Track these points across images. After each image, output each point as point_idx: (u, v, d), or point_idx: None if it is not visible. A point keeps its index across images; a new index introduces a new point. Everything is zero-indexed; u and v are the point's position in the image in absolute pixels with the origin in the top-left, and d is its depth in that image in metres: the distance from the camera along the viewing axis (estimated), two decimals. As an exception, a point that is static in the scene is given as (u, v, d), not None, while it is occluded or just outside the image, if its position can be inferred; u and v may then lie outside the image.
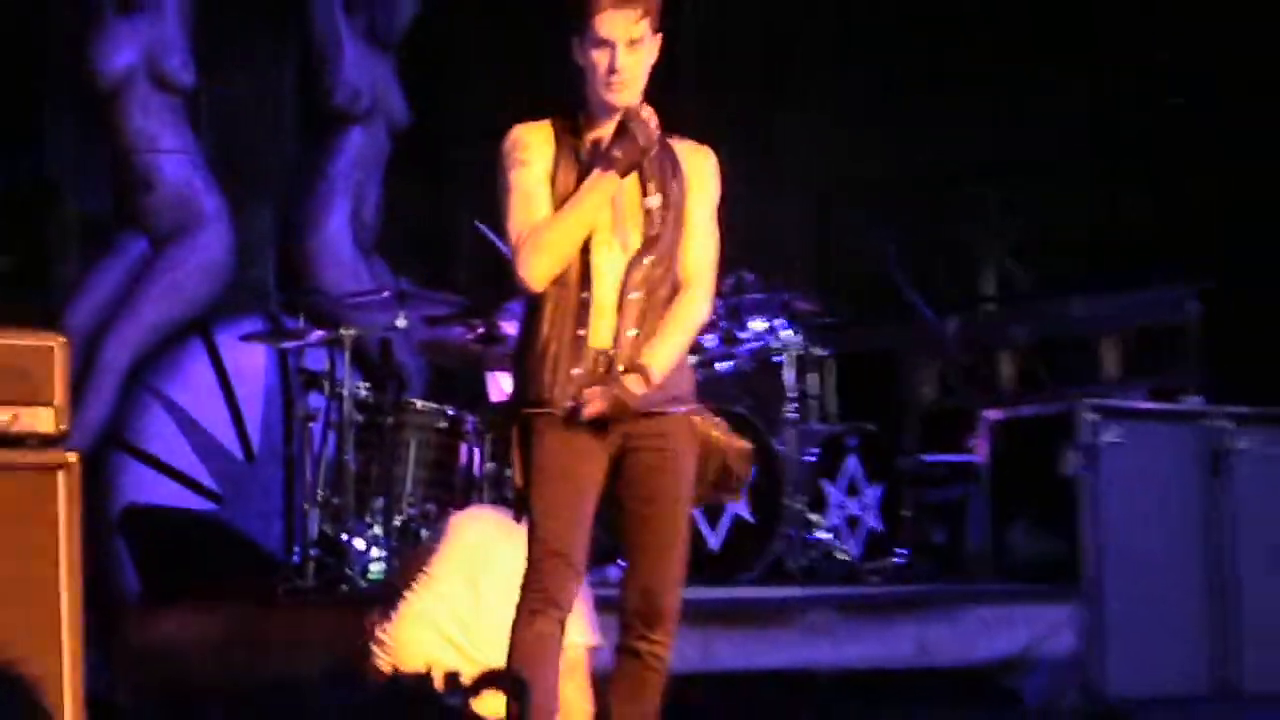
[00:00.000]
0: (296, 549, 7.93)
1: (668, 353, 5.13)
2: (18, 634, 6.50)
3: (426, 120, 9.67)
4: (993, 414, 8.84)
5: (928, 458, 9.31)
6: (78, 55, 8.90)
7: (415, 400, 8.14)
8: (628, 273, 5.08)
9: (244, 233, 9.35)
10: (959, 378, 9.76)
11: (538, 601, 5.03)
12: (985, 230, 10.12)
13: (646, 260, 5.09)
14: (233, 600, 7.44)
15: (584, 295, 5.05)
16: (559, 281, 5.05)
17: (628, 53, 5.06)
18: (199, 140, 9.21)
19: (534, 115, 5.21)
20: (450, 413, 7.90)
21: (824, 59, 10.86)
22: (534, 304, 5.12)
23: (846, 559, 8.47)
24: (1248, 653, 8.35)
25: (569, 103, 5.21)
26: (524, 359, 5.18)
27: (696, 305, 5.19)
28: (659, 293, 5.11)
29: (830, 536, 8.42)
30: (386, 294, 8.31)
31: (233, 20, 9.46)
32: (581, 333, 5.04)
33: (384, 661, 6.58)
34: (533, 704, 5.11)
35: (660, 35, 5.13)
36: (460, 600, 6.58)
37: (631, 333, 5.06)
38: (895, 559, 8.68)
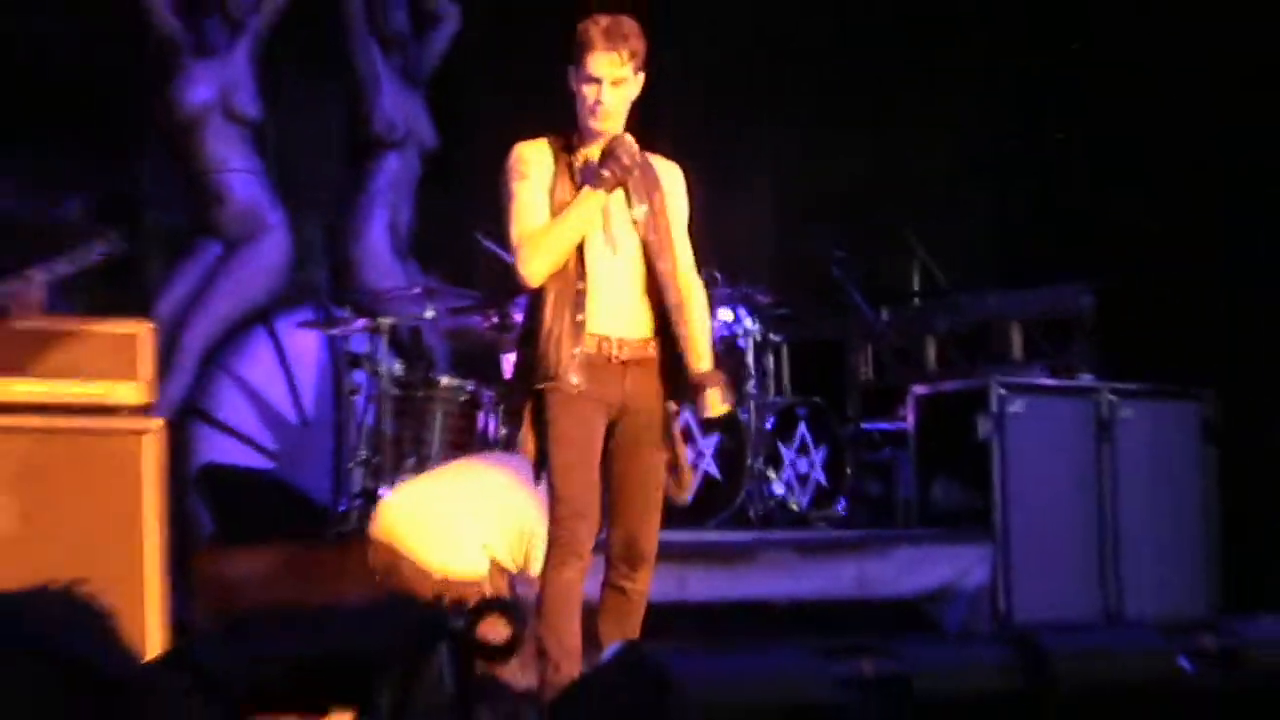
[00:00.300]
0: (343, 500, 7.98)
1: (708, 345, 5.36)
2: (115, 567, 6.65)
3: (452, 145, 9.66)
4: (919, 389, 8.89)
5: (865, 425, 9.32)
6: (162, 92, 8.92)
7: (441, 377, 8.10)
8: (620, 270, 5.20)
9: (300, 240, 9.30)
10: (891, 359, 9.77)
11: (564, 554, 5.12)
12: (912, 237, 10.13)
13: (634, 259, 5.22)
14: (288, 542, 7.49)
15: (580, 286, 5.13)
16: (559, 275, 5.13)
17: (612, 89, 5.17)
18: (263, 162, 9.15)
19: (535, 135, 5.32)
20: (470, 387, 7.91)
21: (781, 90, 10.79)
22: (537, 296, 5.18)
23: (798, 508, 8.52)
24: (1128, 584, 8.48)
25: (565, 123, 5.28)
26: (531, 342, 5.21)
27: (702, 298, 5.44)
28: (643, 285, 5.22)
29: (784, 490, 8.45)
30: (417, 290, 8.38)
31: (291, 63, 9.42)
32: (580, 318, 5.11)
33: (375, 556, 6.69)
34: (555, 634, 5.16)
35: (643, 75, 5.22)
36: (438, 499, 6.68)
37: (623, 330, 5.19)
38: (838, 508, 8.71)
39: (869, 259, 9.86)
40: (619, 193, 5.20)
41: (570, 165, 5.25)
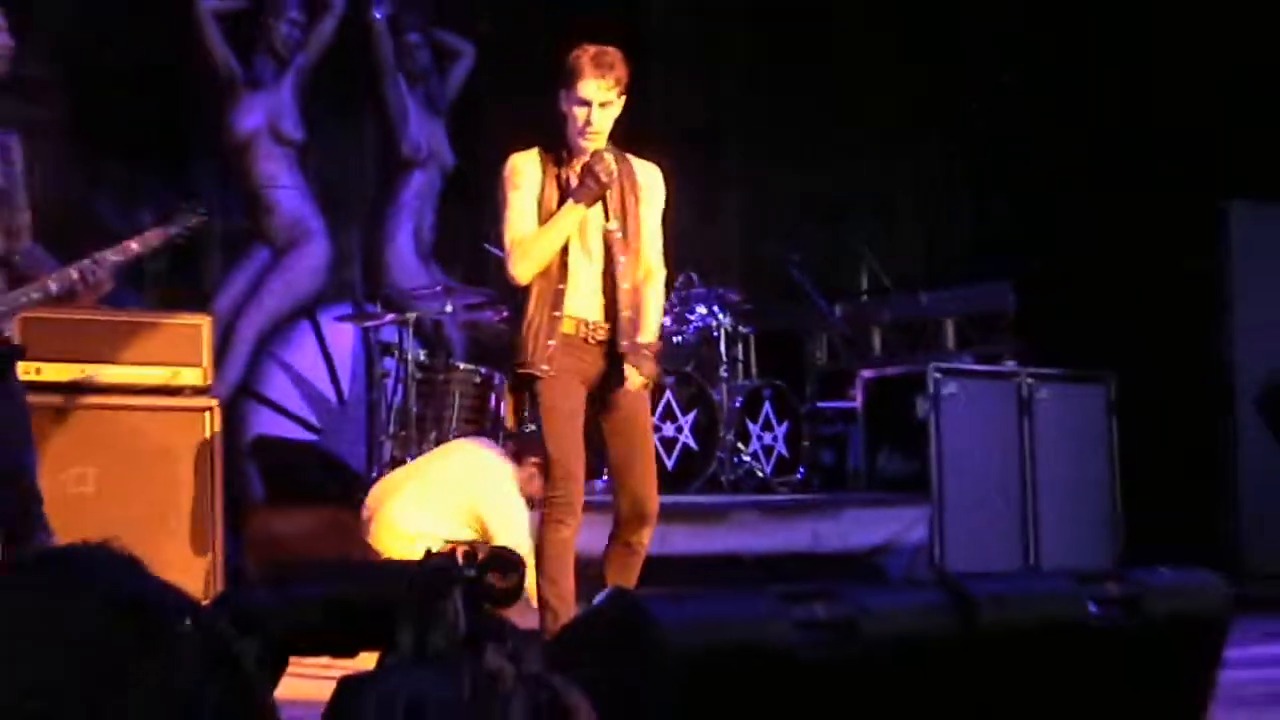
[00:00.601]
0: (375, 468, 7.96)
1: (655, 326, 5.28)
2: (180, 523, 6.66)
3: (467, 164, 9.65)
4: (866, 373, 8.90)
5: (820, 404, 9.30)
6: (219, 118, 8.92)
7: (459, 363, 8.12)
8: (600, 273, 5.22)
9: (338, 245, 9.31)
10: (842, 347, 9.76)
11: (560, 512, 5.13)
12: (861, 245, 10.13)
13: (609, 264, 5.22)
14: (327, 504, 7.48)
15: (560, 287, 5.15)
16: (543, 275, 5.15)
17: (600, 111, 5.17)
18: (306, 179, 9.18)
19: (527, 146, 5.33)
20: (483, 372, 7.90)
21: (748, 124, 10.79)
22: (523, 293, 5.19)
23: (762, 475, 8.53)
24: (1045, 539, 8.50)
25: (555, 136, 5.29)
26: (515, 333, 5.26)
27: (660, 282, 5.38)
28: (620, 285, 5.21)
29: (751, 460, 8.46)
30: (438, 289, 8.39)
31: (331, 94, 9.43)
32: (557, 314, 5.13)
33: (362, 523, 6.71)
34: (554, 585, 5.13)
35: (624, 96, 5.22)
36: (416, 474, 6.79)
37: (597, 316, 5.21)
38: (797, 476, 8.70)
39: (823, 263, 9.86)
40: (596, 206, 5.20)
41: (558, 176, 5.24)
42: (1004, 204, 11.10)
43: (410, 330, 7.98)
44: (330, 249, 9.30)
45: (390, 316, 8.14)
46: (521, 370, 5.21)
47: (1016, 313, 9.28)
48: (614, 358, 5.23)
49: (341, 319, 9.05)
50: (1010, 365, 9.00)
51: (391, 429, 7.93)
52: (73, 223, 8.12)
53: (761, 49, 10.77)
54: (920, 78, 11.23)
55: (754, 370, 8.98)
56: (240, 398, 8.82)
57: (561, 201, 5.18)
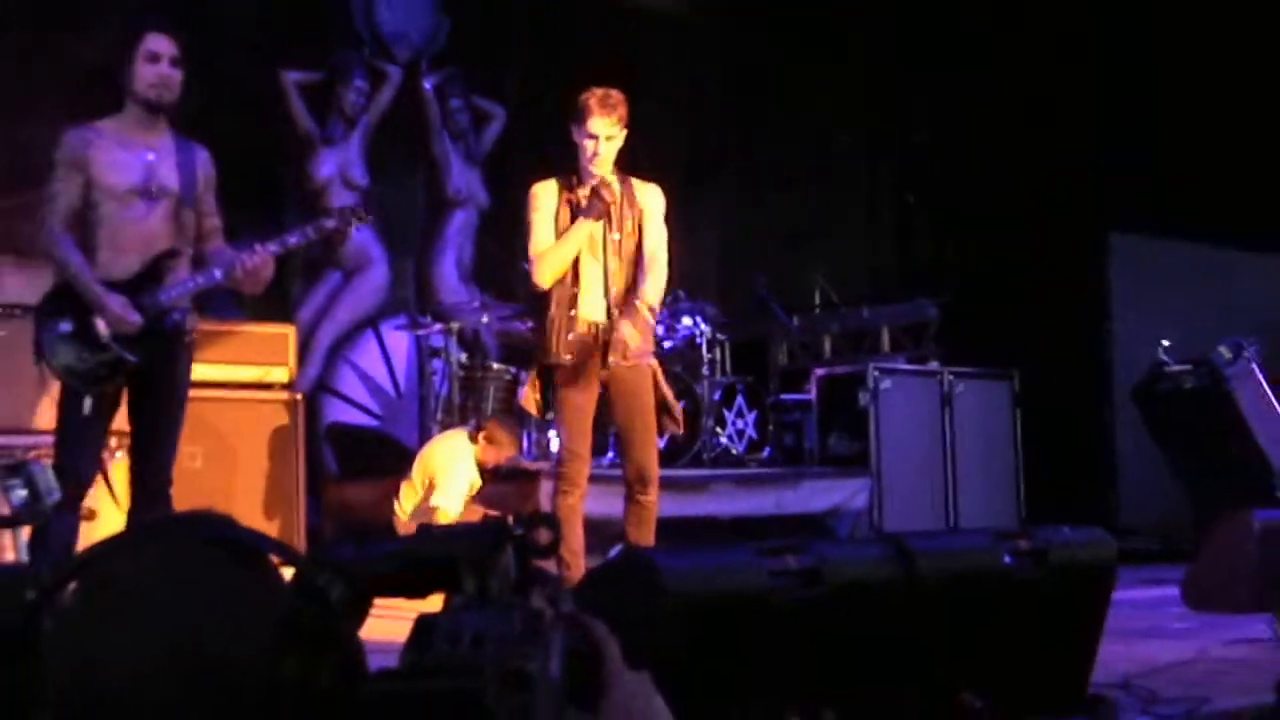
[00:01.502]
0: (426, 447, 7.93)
1: (652, 293, 5.25)
2: (270, 494, 6.65)
3: (499, 204, 9.65)
4: (819, 371, 8.86)
5: (783, 397, 9.26)
6: (301, 169, 8.93)
7: (493, 363, 8.12)
8: (605, 276, 5.16)
9: (396, 269, 9.34)
10: (799, 351, 9.78)
11: (567, 485, 5.13)
12: (814, 267, 10.12)
13: (615, 270, 5.18)
14: (388, 477, 7.46)
15: (574, 290, 5.14)
16: (560, 282, 5.13)
17: (605, 144, 5.15)
18: (371, 216, 9.24)
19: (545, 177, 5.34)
20: (513, 371, 7.87)
21: (722, 168, 10.78)
22: (544, 298, 5.18)
23: (736, 454, 8.44)
24: (962, 504, 8.49)
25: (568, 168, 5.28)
26: (539, 331, 5.26)
27: (653, 284, 5.26)
28: (626, 287, 5.19)
29: (728, 441, 8.39)
30: (476, 304, 8.42)
31: (389, 148, 9.45)
32: (573, 313, 5.12)
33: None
34: (565, 542, 5.12)
35: (626, 130, 5.18)
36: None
37: (604, 318, 5.17)
38: (764, 454, 8.63)
39: (784, 284, 9.84)
40: (602, 221, 5.17)
41: (570, 199, 5.21)
42: (928, 237, 11.20)
43: (454, 337, 8.00)
44: (389, 272, 9.31)
45: (438, 326, 8.13)
46: (545, 362, 5.19)
47: (938, 324, 9.30)
48: (613, 347, 5.18)
49: (399, 328, 9.08)
50: (934, 365, 8.99)
51: (439, 416, 7.91)
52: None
53: (733, 105, 10.75)
54: (862, 138, 11.31)
55: (729, 369, 8.94)
56: (318, 392, 8.81)
57: (573, 220, 5.16)
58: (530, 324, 7.92)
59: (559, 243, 5.15)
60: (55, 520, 4.19)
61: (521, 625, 1.29)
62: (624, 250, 5.23)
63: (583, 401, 5.18)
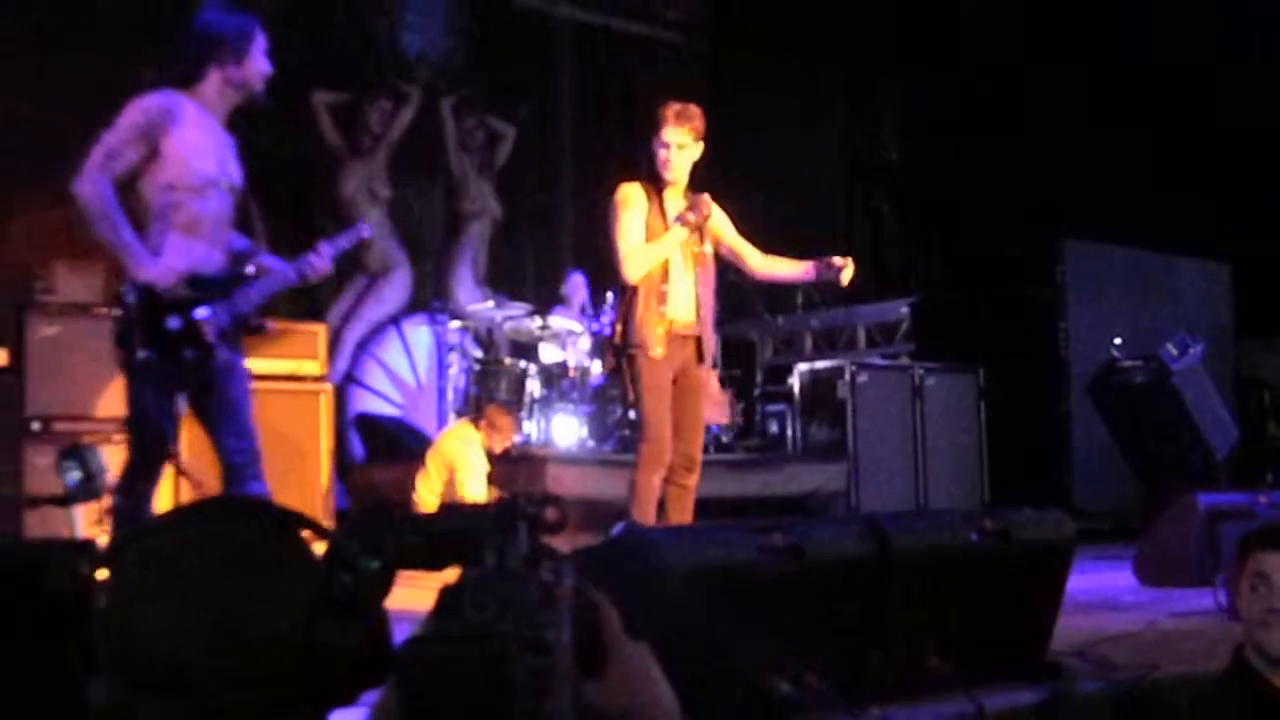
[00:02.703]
0: (444, 435, 7.96)
1: (787, 267, 5.51)
2: (302, 476, 6.64)
3: (510, 214, 9.71)
4: (801, 367, 8.81)
5: (768, 389, 9.30)
6: (330, 181, 8.97)
7: (504, 358, 8.15)
8: (694, 282, 5.12)
9: (417, 273, 9.41)
10: (783, 348, 9.80)
11: (653, 463, 5.03)
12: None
13: (700, 274, 5.15)
14: (410, 461, 7.47)
15: (664, 288, 5.05)
16: (649, 278, 5.04)
17: (678, 152, 5.07)
18: (394, 225, 9.29)
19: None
20: (522, 364, 7.92)
21: (718, 184, 10.83)
22: (632, 291, 5.09)
23: (727, 441, 8.47)
24: (931, 488, 8.46)
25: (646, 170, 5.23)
26: (627, 323, 5.11)
27: (763, 256, 5.46)
28: (702, 291, 5.15)
29: (719, 429, 8.39)
30: (490, 304, 8.42)
31: (411, 163, 9.50)
32: (662, 309, 5.03)
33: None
34: (645, 517, 4.99)
35: (702, 144, 5.12)
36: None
37: (690, 317, 5.12)
38: (752, 441, 8.70)
39: (770, 287, 9.85)
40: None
41: (658, 201, 5.14)
42: (899, 244, 11.22)
43: (470, 334, 8.01)
44: (411, 275, 9.38)
45: (455, 324, 8.17)
46: (632, 351, 5.08)
47: (909, 322, 9.31)
48: (690, 347, 5.16)
49: (419, 326, 9.12)
50: (905, 361, 8.99)
51: (456, 405, 7.94)
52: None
53: (721, 124, 10.79)
54: (839, 154, 11.34)
55: (719, 364, 8.96)
56: (346, 384, 8.87)
57: (659, 218, 5.11)
58: (536, 320, 8.07)
59: (654, 245, 5.07)
60: (130, 500, 4.00)
61: (538, 596, 1.29)
62: (704, 261, 5.21)
63: (666, 385, 5.11)
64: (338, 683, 1.30)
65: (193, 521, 1.33)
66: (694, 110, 5.14)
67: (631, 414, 7.20)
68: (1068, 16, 9.58)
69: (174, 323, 3.95)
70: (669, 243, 5.08)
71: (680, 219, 5.07)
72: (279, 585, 1.27)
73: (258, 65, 4.12)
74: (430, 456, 6.97)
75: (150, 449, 4.06)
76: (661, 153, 5.11)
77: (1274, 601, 2.79)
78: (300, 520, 1.37)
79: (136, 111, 3.94)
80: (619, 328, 5.18)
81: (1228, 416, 6.36)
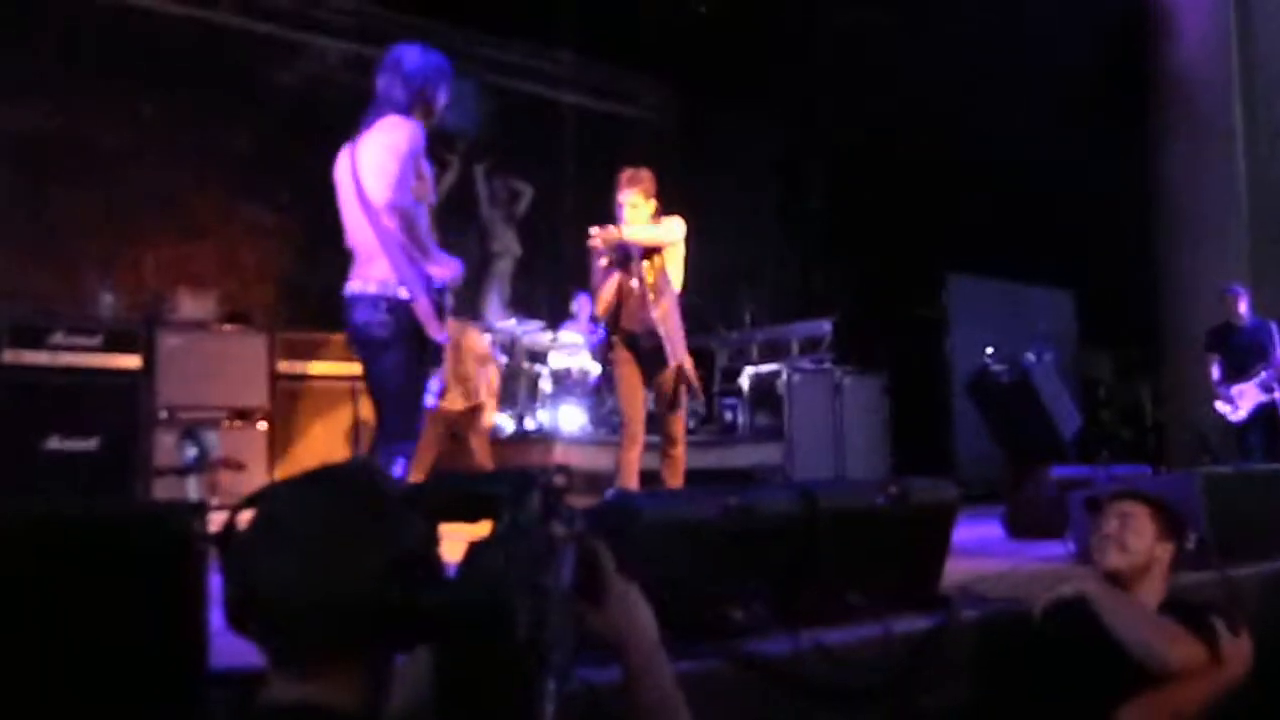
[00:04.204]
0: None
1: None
2: (358, 450, 6.54)
3: (530, 254, 9.68)
4: (749, 369, 8.85)
5: (724, 387, 9.30)
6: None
7: (524, 364, 8.12)
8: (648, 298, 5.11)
9: (456, 302, 9.36)
10: (735, 355, 9.77)
11: (626, 440, 5.02)
12: (745, 295, 10.14)
13: (656, 293, 5.14)
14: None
15: (623, 310, 5.12)
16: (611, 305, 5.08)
17: (631, 210, 5.05)
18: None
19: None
20: (537, 368, 7.90)
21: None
22: (604, 315, 5.15)
23: (691, 426, 8.34)
24: (849, 464, 8.45)
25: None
26: (607, 337, 5.17)
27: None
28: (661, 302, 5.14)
29: (692, 421, 8.44)
30: (512, 322, 8.38)
31: (450, 215, 9.41)
32: (626, 326, 5.13)
33: None
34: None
35: (653, 200, 5.04)
36: None
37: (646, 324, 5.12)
38: (713, 426, 8.67)
39: (724, 307, 9.85)
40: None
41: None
42: (823, 275, 11.23)
43: (497, 345, 7.94)
44: (451, 302, 9.30)
45: (486, 336, 8.09)
46: (610, 359, 5.10)
47: (832, 336, 9.32)
48: (659, 351, 5.13)
49: (445, 340, 9.04)
50: (829, 366, 8.95)
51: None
52: (295, 291, 8.07)
53: (685, 180, 10.81)
54: (776, 204, 11.38)
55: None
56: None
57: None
58: (550, 335, 8.03)
59: (604, 289, 5.10)
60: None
61: (543, 549, 1.27)
62: (658, 283, 5.18)
63: (637, 386, 5.17)
64: (401, 634, 1.28)
65: (308, 488, 1.31)
66: (644, 174, 5.09)
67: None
68: (956, 102, 9.61)
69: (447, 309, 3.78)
70: (610, 288, 5.05)
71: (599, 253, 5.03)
72: (362, 551, 1.25)
73: (443, 98, 3.78)
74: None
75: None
76: (620, 211, 5.09)
77: (1104, 529, 3.00)
78: (394, 487, 1.34)
79: (412, 141, 3.59)
80: (603, 344, 5.19)
81: (1073, 408, 6.35)
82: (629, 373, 5.08)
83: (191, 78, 8.27)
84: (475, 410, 6.63)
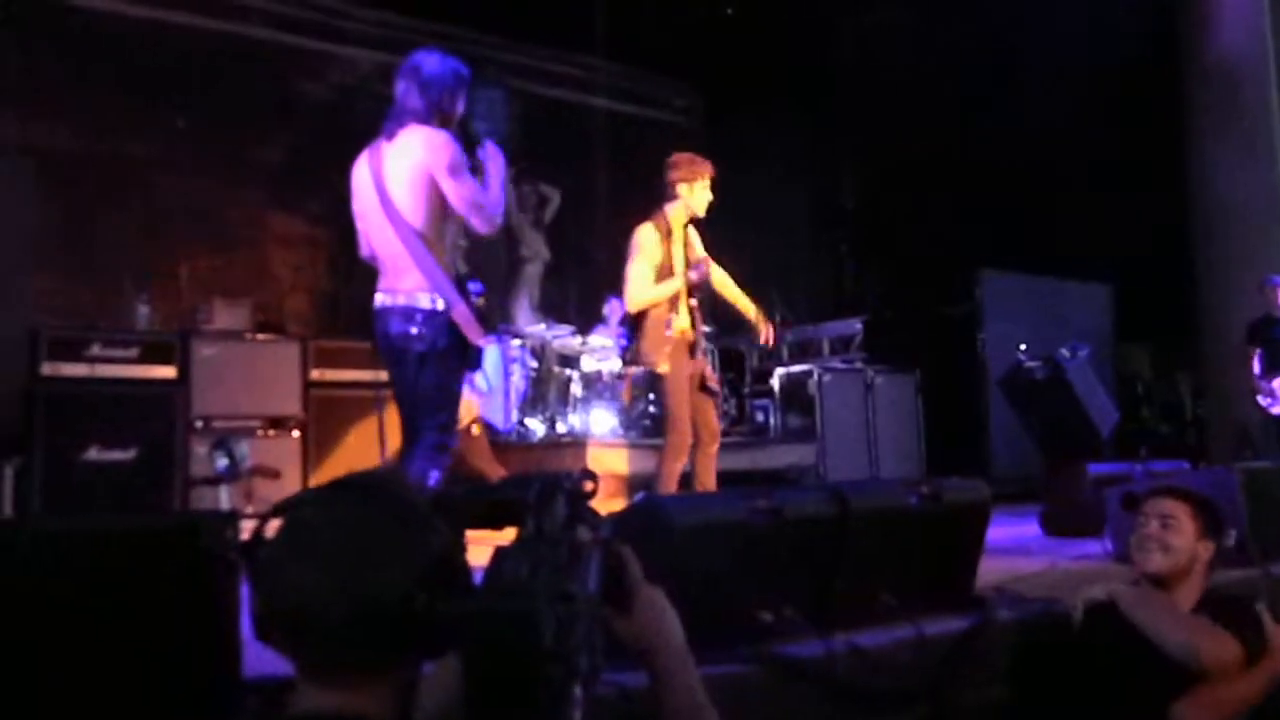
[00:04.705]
0: (508, 426, 7.85)
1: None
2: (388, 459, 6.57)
3: (558, 258, 9.70)
4: (780, 370, 8.79)
5: (755, 387, 9.27)
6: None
7: (554, 368, 8.13)
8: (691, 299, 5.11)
9: (488, 303, 9.40)
10: (766, 357, 9.74)
11: (674, 452, 4.96)
12: (776, 297, 10.15)
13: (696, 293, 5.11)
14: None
15: (670, 316, 5.06)
16: (657, 307, 5.03)
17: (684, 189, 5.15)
18: (470, 267, 9.27)
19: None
20: (568, 372, 7.91)
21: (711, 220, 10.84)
22: (639, 315, 5.06)
23: (724, 428, 8.35)
24: (881, 463, 8.39)
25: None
26: (640, 341, 5.08)
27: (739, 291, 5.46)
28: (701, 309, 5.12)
29: (718, 418, 8.42)
30: (542, 326, 8.40)
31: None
32: (668, 332, 5.05)
33: None
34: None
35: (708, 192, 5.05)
36: None
37: (689, 325, 5.11)
38: (744, 428, 8.65)
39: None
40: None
41: (667, 238, 5.09)
42: (855, 275, 11.17)
43: (527, 349, 7.97)
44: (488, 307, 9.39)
45: (516, 342, 8.11)
46: (647, 365, 5.05)
47: (863, 336, 9.25)
48: (690, 348, 5.12)
49: (489, 344, 9.06)
50: (860, 366, 8.90)
51: (517, 404, 7.87)
52: (329, 300, 8.12)
53: (716, 181, 10.85)
54: (808, 204, 11.31)
55: (717, 368, 8.95)
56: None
57: (666, 252, 5.10)
58: (580, 339, 8.05)
59: (659, 288, 5.04)
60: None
61: (568, 555, 1.26)
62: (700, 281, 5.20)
63: (685, 389, 5.08)
64: (428, 642, 1.28)
65: (334, 497, 1.31)
66: (682, 159, 5.06)
67: (652, 409, 7.17)
68: (986, 98, 9.53)
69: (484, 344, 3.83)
70: (668, 289, 5.00)
71: (686, 275, 5.01)
72: (389, 560, 1.24)
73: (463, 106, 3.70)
74: None
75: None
76: (671, 189, 5.08)
77: (1145, 530, 2.96)
78: (420, 499, 1.33)
79: (458, 154, 3.61)
80: (634, 346, 5.10)
81: (1109, 403, 6.26)
82: (679, 381, 5.05)
83: (223, 91, 8.37)
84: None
